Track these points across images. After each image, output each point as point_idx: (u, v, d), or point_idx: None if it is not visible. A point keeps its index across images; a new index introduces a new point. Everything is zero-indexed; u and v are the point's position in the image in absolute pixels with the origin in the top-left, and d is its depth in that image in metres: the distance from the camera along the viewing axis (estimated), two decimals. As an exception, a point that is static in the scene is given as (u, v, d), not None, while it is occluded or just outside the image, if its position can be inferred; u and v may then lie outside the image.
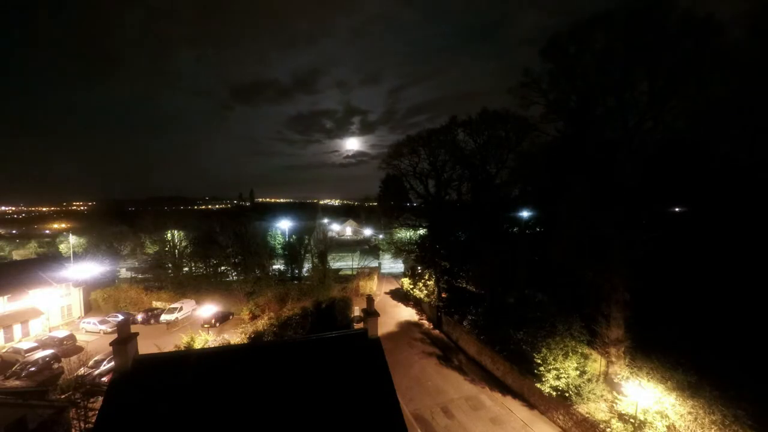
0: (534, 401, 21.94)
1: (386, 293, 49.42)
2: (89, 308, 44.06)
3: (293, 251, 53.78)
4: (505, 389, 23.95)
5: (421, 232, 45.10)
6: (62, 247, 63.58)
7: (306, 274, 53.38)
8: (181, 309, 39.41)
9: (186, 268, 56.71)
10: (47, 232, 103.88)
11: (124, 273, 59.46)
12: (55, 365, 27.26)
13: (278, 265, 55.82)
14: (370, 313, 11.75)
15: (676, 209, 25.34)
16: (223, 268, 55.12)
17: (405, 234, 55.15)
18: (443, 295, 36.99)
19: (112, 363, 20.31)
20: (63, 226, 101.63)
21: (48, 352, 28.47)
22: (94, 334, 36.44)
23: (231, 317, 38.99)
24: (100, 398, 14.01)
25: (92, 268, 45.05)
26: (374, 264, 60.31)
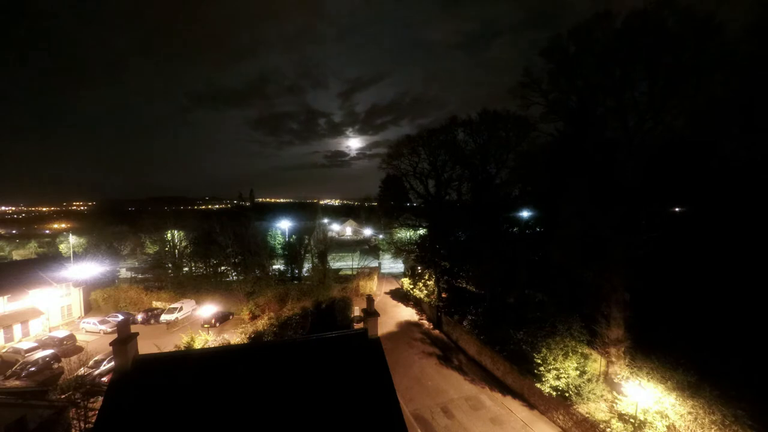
0: (534, 401, 21.94)
1: (386, 293, 49.41)
2: (89, 308, 44.06)
3: (293, 251, 53.80)
4: (505, 389, 23.95)
5: (421, 232, 45.10)
6: (62, 247, 63.61)
7: (306, 274, 53.40)
8: (181, 309, 39.40)
9: (186, 268, 56.75)
10: (47, 232, 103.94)
11: (124, 273, 59.44)
12: (55, 365, 27.26)
13: (278, 265, 55.85)
14: (370, 313, 11.75)
15: (676, 209, 25.35)
16: (223, 268, 55.15)
17: (405, 234, 55.15)
18: (443, 295, 36.99)
19: (112, 363, 20.32)
20: (63, 226, 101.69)
21: (48, 352, 28.46)
22: (94, 334, 36.42)
23: (231, 317, 38.98)
24: (100, 398, 14.03)
25: (92, 268, 45.03)
26: (374, 264, 60.31)
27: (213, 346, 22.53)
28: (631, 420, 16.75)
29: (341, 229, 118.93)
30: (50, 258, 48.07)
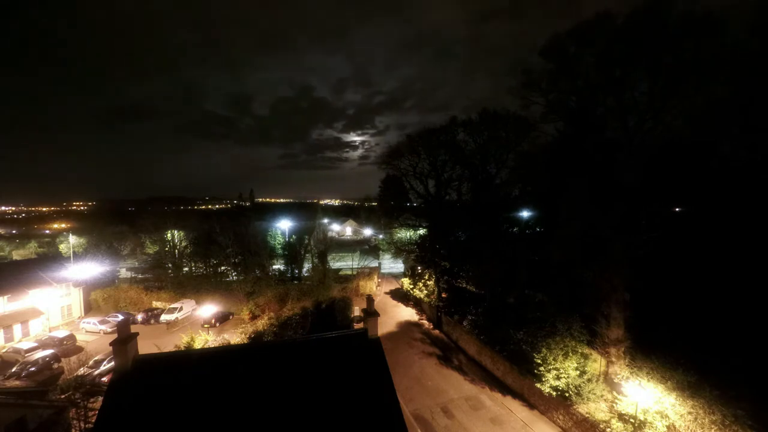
0: (534, 401, 21.94)
1: (386, 293, 49.41)
2: (89, 308, 44.06)
3: (293, 251, 53.81)
4: (505, 389, 23.95)
5: (421, 232, 45.08)
6: (62, 247, 63.58)
7: (306, 274, 53.40)
8: (181, 309, 39.40)
9: (186, 268, 56.76)
10: (47, 232, 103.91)
11: (124, 273, 59.43)
12: (55, 365, 27.26)
13: (278, 265, 55.84)
14: (370, 313, 11.75)
15: (676, 209, 25.34)
16: (223, 268, 55.15)
17: (405, 234, 55.12)
18: (443, 295, 36.98)
19: (112, 363, 20.32)
20: (63, 226, 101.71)
21: (48, 352, 28.47)
22: (94, 334, 36.43)
23: (231, 317, 38.98)
24: (100, 398, 14.03)
25: (92, 268, 45.03)
26: (374, 264, 60.29)
27: (213, 346, 22.53)
28: (631, 420, 16.75)
29: (341, 229, 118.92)
30: (50, 258, 48.05)
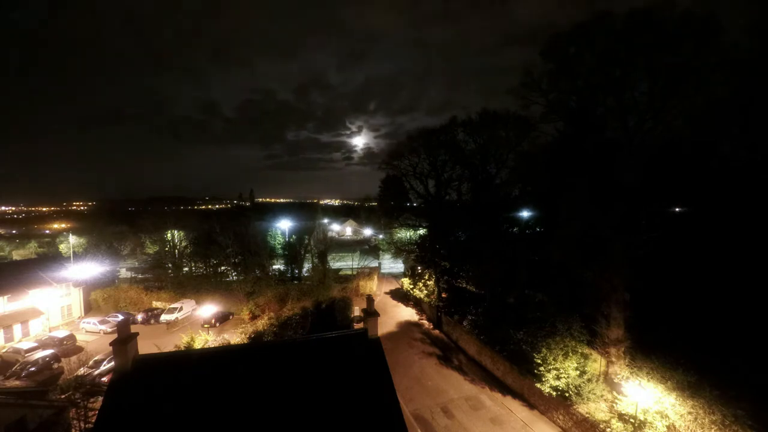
0: (534, 401, 21.94)
1: (386, 293, 49.40)
2: (89, 308, 44.05)
3: (293, 251, 53.81)
4: (505, 389, 23.95)
5: (421, 232, 45.08)
6: (62, 247, 63.56)
7: (306, 274, 53.40)
8: (181, 309, 39.40)
9: (186, 268, 56.76)
10: (47, 232, 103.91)
11: (124, 273, 59.43)
12: (55, 365, 27.26)
13: (278, 265, 55.84)
14: (370, 313, 11.75)
15: (676, 209, 25.34)
16: (223, 268, 55.15)
17: (405, 234, 55.14)
18: (443, 295, 36.98)
19: (112, 363, 20.31)
20: (63, 226, 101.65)
21: (48, 352, 28.45)
22: (94, 334, 36.42)
23: (231, 317, 38.98)
24: (100, 398, 14.02)
25: (92, 268, 45.01)
26: (374, 264, 60.31)
27: (213, 346, 22.53)
28: (631, 420, 16.75)
29: (341, 229, 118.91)
30: (50, 258, 48.04)
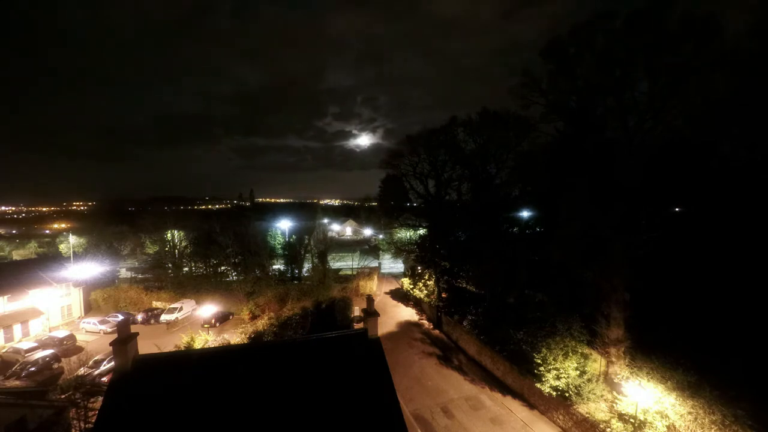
0: (534, 401, 21.94)
1: (386, 293, 49.41)
2: (89, 308, 44.06)
3: (293, 251, 53.82)
4: (505, 389, 23.95)
5: (421, 232, 45.08)
6: (62, 247, 63.54)
7: (306, 274, 53.41)
8: (181, 309, 39.40)
9: (186, 268, 56.76)
10: (47, 232, 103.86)
11: (124, 273, 59.44)
12: (55, 365, 27.26)
13: (278, 265, 55.85)
14: (370, 313, 11.74)
15: (676, 209, 25.32)
16: (223, 268, 55.16)
17: (405, 234, 55.14)
18: (443, 295, 36.99)
19: (112, 363, 20.31)
20: (63, 226, 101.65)
21: (48, 352, 28.46)
22: (94, 334, 36.43)
23: (231, 317, 38.99)
24: (100, 398, 14.02)
25: (92, 268, 45.01)
26: (374, 264, 60.30)
27: (213, 346, 22.53)
28: (631, 420, 16.76)
29: (341, 229, 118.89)
30: (50, 258, 48.05)
